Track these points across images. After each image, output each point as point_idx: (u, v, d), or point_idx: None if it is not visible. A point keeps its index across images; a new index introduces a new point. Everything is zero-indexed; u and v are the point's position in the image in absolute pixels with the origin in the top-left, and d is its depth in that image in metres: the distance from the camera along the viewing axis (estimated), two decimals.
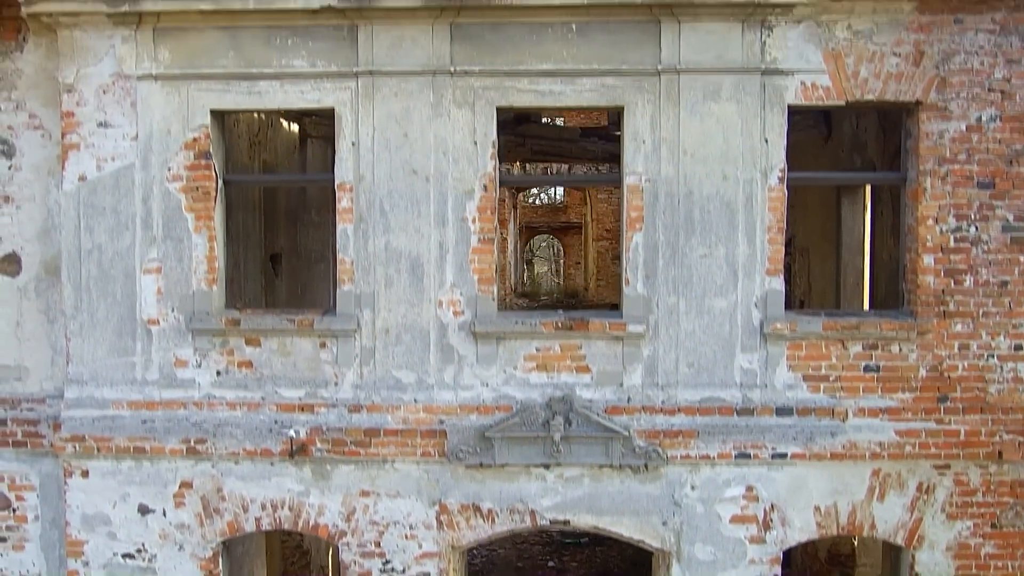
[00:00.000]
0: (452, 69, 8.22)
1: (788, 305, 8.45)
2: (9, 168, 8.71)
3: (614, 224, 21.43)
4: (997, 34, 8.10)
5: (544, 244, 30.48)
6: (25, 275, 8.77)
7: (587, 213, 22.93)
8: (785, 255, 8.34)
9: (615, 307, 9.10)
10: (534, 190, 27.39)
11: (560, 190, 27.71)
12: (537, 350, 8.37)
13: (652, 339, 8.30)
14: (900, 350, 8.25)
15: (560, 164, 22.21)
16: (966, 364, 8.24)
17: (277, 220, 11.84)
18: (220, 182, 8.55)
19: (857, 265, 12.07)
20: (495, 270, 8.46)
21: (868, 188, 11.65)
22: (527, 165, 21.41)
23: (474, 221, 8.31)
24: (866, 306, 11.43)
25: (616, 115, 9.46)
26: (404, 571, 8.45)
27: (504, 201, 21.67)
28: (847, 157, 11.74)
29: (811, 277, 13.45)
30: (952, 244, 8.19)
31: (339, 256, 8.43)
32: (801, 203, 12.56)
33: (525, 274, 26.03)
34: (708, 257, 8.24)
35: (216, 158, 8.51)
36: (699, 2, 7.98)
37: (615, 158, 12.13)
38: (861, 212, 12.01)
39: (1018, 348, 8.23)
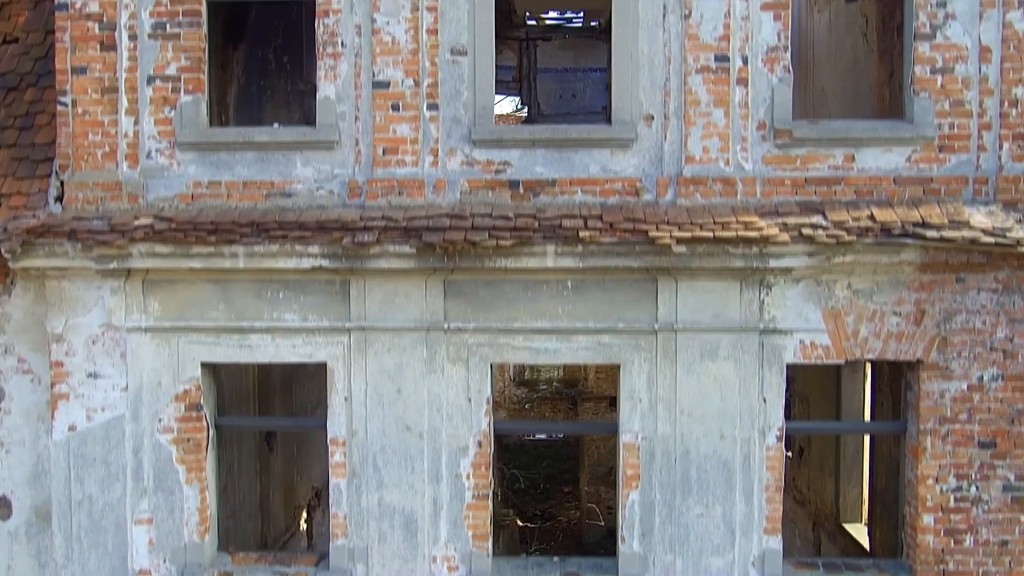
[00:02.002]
0: (446, 326, 8.12)
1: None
2: None
3: None
4: (999, 293, 7.97)
5: None
6: (16, 519, 8.69)
7: None
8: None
9: (610, 538, 8.98)
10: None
11: None
12: None
13: None
14: None
15: None
16: None
17: (272, 392, 11.72)
18: (212, 431, 8.46)
19: (857, 437, 11.98)
20: (490, 525, 8.37)
21: None
22: None
23: (468, 477, 8.22)
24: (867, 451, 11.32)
25: None
26: None
27: None
28: None
29: (810, 415, 13.33)
30: (952, 504, 8.09)
31: (332, 510, 8.34)
32: None
33: None
34: (705, 516, 8.14)
35: (207, 407, 8.42)
36: (696, 266, 7.86)
37: None
38: (861, 381, 11.91)
39: None
